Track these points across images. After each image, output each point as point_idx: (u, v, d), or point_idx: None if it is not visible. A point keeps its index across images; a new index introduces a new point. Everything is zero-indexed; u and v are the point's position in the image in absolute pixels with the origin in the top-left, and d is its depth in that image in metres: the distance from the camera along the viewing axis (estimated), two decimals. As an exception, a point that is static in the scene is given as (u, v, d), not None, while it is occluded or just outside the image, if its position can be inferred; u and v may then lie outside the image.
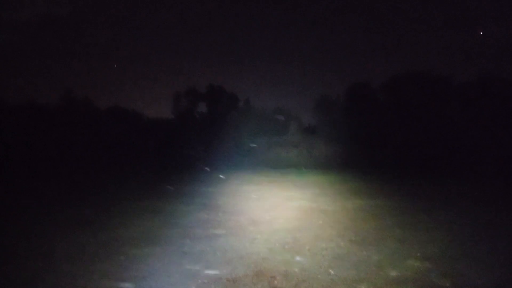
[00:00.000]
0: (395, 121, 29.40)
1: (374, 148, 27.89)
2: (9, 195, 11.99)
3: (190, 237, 6.56)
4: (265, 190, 12.76)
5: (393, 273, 4.78)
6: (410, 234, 6.84)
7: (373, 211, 9.17)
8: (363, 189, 13.17)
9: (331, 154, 29.34)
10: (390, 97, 32.81)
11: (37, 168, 20.89)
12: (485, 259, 5.42)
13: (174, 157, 31.89)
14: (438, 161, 24.22)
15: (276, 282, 4.49)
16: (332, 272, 4.83)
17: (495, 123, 26.01)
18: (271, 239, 6.44)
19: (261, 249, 5.83)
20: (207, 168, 20.63)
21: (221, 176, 17.00)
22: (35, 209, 9.42)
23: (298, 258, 5.42)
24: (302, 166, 24.20)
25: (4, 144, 27.01)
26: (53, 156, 27.86)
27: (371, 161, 25.19)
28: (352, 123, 30.85)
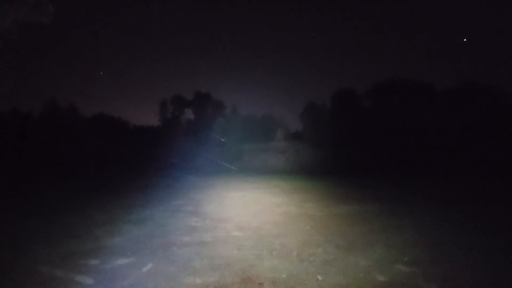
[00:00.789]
0: (379, 127, 29.86)
1: (359, 153, 28.24)
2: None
3: (177, 244, 6.49)
4: (252, 197, 12.74)
5: (381, 278, 4.81)
6: (397, 238, 6.90)
7: (360, 216, 9.22)
8: (350, 194, 13.25)
9: (318, 159, 29.53)
10: (375, 103, 33.33)
11: (21, 175, 20.46)
12: (471, 262, 5.50)
13: (159, 164, 31.66)
14: (421, 165, 24.65)
15: (264, 288, 4.48)
16: (320, 278, 4.84)
17: (476, 128, 26.69)
18: (259, 245, 6.42)
19: (249, 256, 5.80)
20: (190, 176, 20.52)
21: (207, 182, 16.92)
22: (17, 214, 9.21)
23: (285, 264, 5.41)
24: (288, 172, 24.27)
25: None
26: (38, 163, 27.39)
27: (357, 166, 25.45)
28: (338, 129, 31.20)
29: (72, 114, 49.64)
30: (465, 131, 26.76)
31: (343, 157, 28.16)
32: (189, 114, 51.09)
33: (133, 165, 28.54)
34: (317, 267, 5.25)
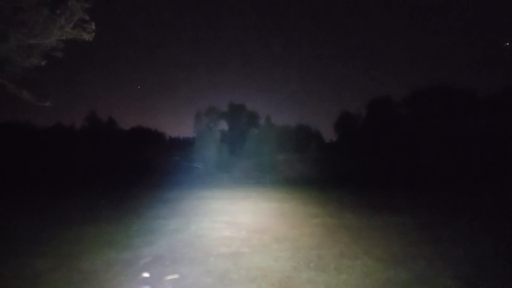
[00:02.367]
0: (416, 136, 28.92)
1: (396, 163, 27.45)
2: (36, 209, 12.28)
3: (214, 255, 6.54)
4: (287, 208, 12.65)
5: (423, 292, 4.64)
6: (439, 251, 6.64)
7: (399, 227, 8.96)
8: (387, 205, 12.91)
9: (353, 169, 29.01)
10: (412, 111, 32.35)
11: (63, 185, 21.37)
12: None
13: (194, 175, 32.12)
14: (462, 175, 23.60)
15: (302, 301, 4.42)
16: (359, 291, 4.72)
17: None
18: (295, 256, 6.36)
19: (286, 267, 5.76)
20: (224, 187, 20.65)
21: (241, 192, 16.99)
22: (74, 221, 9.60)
23: (323, 276, 5.32)
24: (324, 182, 23.98)
25: (33, 163, 27.92)
26: (79, 174, 28.52)
27: (394, 176, 24.76)
28: (374, 138, 30.54)
29: (111, 126, 51.65)
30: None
31: (379, 166, 27.50)
32: (223, 125, 51.94)
33: (168, 176, 29.11)
34: (356, 280, 5.13)
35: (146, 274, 5.46)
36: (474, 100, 29.35)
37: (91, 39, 6.52)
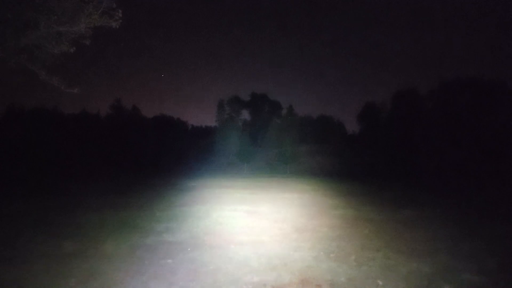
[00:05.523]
0: (443, 129, 28.15)
1: (420, 156, 26.88)
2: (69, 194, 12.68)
3: (235, 243, 6.60)
4: (307, 198, 12.63)
5: (447, 287, 4.56)
6: (462, 246, 6.50)
7: (421, 221, 8.83)
8: (409, 198, 12.72)
9: (375, 162, 28.60)
10: (438, 104, 31.44)
11: (91, 171, 21.96)
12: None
13: (215, 164, 32.33)
14: (491, 170, 22.90)
15: (322, 290, 4.42)
16: (380, 283, 4.68)
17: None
18: (316, 247, 6.35)
19: (306, 257, 5.76)
20: (245, 176, 20.74)
21: (262, 182, 17.04)
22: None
23: (344, 267, 5.30)
24: (345, 174, 23.76)
25: (59, 150, 28.69)
26: (104, 161, 29.16)
27: (417, 169, 24.28)
28: (398, 131, 29.93)
29: (135, 114, 52.52)
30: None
31: (403, 160, 26.99)
32: (245, 115, 51.90)
33: (190, 165, 29.44)
34: (377, 272, 5.09)
35: (169, 260, 5.57)
36: (504, 91, 28.26)
37: (117, 26, 6.60)
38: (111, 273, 4.96)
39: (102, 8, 6.32)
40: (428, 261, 5.60)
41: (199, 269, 5.18)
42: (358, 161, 29.56)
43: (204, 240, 6.80)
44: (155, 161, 31.15)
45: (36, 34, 6.23)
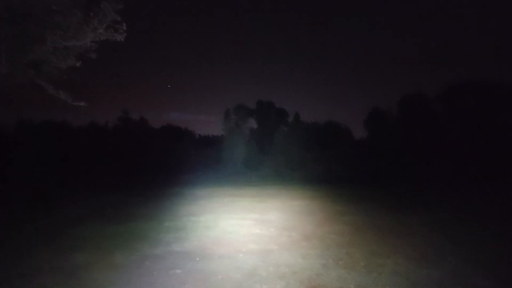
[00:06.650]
0: (452, 133, 27.87)
1: (429, 161, 26.64)
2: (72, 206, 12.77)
3: (243, 252, 6.60)
4: (316, 205, 12.58)
5: (457, 293, 4.51)
6: (473, 251, 6.43)
7: (431, 226, 8.74)
8: (419, 203, 12.60)
9: (384, 167, 28.41)
10: (446, 107, 31.13)
11: (98, 183, 22.08)
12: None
13: (222, 173, 32.35)
14: (505, 172, 22.58)
15: (331, 298, 4.40)
16: (390, 290, 4.64)
17: None
18: (324, 254, 6.32)
19: (315, 265, 5.73)
20: (252, 185, 20.72)
21: (269, 190, 17.01)
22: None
23: (353, 274, 5.27)
24: (353, 180, 23.63)
25: (67, 161, 28.93)
26: (113, 171, 29.33)
27: (427, 174, 24.05)
28: (406, 136, 29.71)
29: (143, 125, 52.85)
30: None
31: (411, 165, 26.77)
32: (252, 123, 51.92)
33: (198, 174, 29.48)
34: (387, 279, 5.05)
35: (177, 270, 5.58)
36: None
37: (122, 39, 6.70)
38: (121, 284, 4.98)
39: (107, 22, 6.42)
40: (438, 267, 5.54)
41: (207, 278, 5.19)
42: (365, 167, 29.36)
43: (212, 249, 6.80)
44: (164, 171, 31.24)
45: (43, 49, 6.34)
